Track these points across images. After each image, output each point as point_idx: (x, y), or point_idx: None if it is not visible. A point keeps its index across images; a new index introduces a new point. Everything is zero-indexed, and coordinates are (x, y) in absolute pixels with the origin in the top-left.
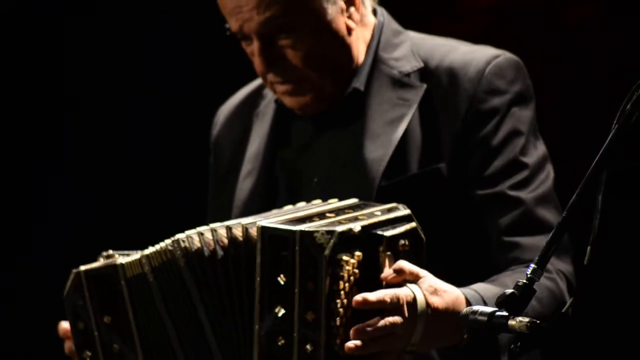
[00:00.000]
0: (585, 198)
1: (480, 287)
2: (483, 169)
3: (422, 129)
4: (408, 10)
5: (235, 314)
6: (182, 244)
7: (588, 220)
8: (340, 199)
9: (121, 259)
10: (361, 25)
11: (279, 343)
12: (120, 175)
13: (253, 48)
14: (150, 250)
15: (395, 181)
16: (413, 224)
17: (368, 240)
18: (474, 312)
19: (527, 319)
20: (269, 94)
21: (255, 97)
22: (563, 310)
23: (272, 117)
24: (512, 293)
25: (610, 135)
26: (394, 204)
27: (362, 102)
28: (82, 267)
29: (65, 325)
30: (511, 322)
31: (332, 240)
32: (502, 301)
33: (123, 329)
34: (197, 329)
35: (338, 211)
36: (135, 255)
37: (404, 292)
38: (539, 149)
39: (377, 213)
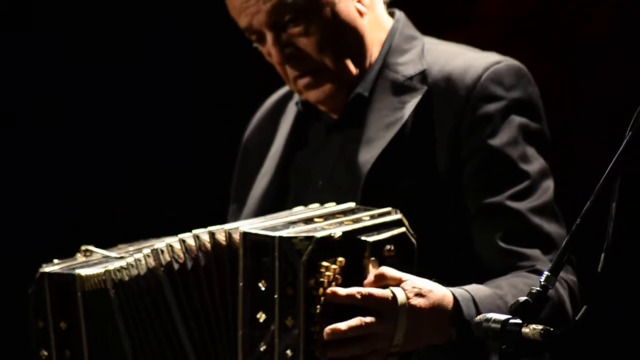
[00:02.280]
0: (599, 205)
1: (472, 287)
2: (479, 177)
3: (417, 132)
4: (419, 18)
5: (220, 320)
6: (161, 254)
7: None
8: (339, 203)
9: (82, 270)
10: (376, 25)
11: (261, 349)
12: (119, 174)
13: (267, 45)
14: (116, 264)
15: (378, 189)
16: (402, 229)
17: (351, 246)
18: (487, 320)
19: (540, 327)
20: (296, 96)
21: (285, 100)
22: (577, 318)
23: (293, 119)
24: (526, 300)
25: (624, 143)
26: (387, 209)
27: (365, 108)
28: (47, 269)
29: None
30: (525, 330)
31: (310, 247)
32: (515, 308)
33: (75, 339)
34: (171, 342)
35: (327, 216)
36: (98, 268)
37: (380, 291)
38: (540, 159)
39: (365, 218)
